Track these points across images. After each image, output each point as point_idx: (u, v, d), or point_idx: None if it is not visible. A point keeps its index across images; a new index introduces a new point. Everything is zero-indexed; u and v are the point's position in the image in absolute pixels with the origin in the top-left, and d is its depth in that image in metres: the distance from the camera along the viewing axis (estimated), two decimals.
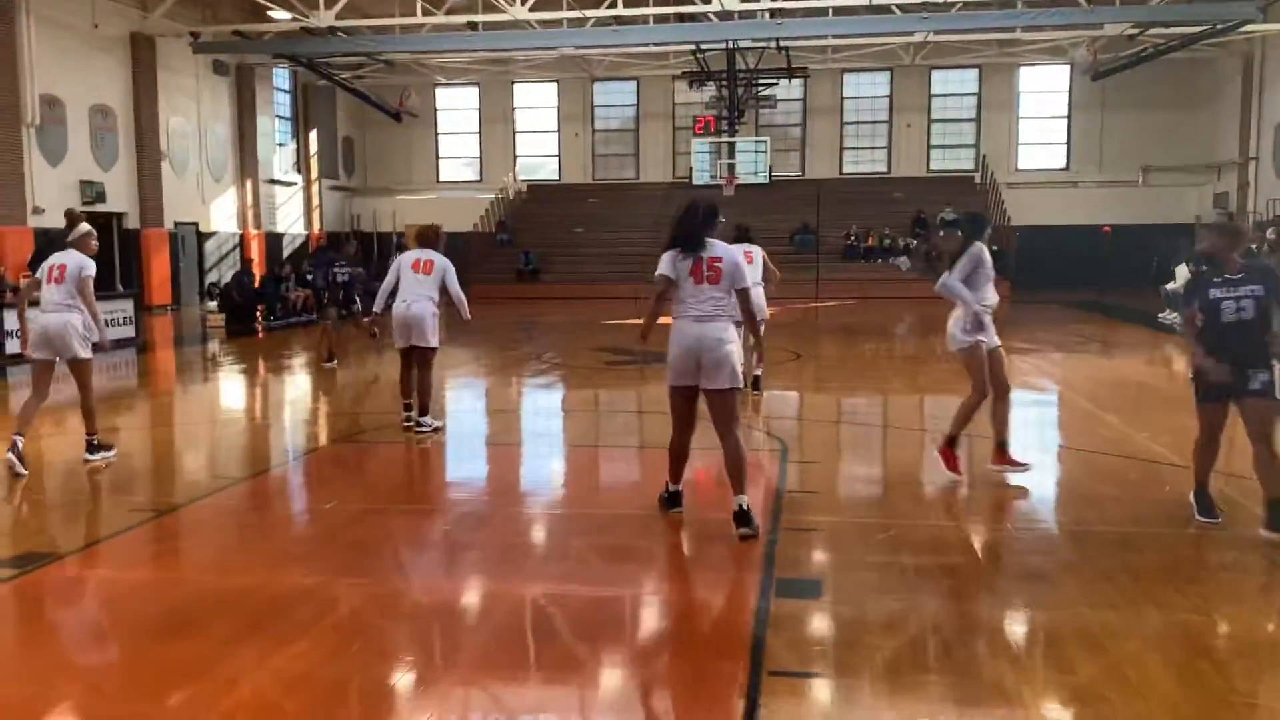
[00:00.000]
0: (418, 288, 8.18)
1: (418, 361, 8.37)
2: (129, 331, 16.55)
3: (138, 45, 23.23)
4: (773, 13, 22.66)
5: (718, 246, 5.55)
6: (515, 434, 9.45)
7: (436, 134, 34.88)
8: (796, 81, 29.76)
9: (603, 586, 4.88)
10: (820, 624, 4.33)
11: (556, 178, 34.73)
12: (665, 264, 5.59)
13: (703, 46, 25.21)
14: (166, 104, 24.21)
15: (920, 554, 5.24)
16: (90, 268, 7.29)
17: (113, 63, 22.69)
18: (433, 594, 4.81)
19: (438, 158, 35.17)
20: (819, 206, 29.68)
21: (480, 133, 34.90)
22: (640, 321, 5.77)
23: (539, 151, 34.94)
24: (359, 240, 29.86)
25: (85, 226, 7.48)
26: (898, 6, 22.95)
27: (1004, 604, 4.60)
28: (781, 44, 25.37)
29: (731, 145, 24.84)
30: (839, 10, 23.81)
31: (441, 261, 8.30)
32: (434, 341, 8.33)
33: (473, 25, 23.66)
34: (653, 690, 3.80)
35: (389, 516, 6.20)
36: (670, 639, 4.26)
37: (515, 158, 34.85)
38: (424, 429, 8.36)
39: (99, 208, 21.89)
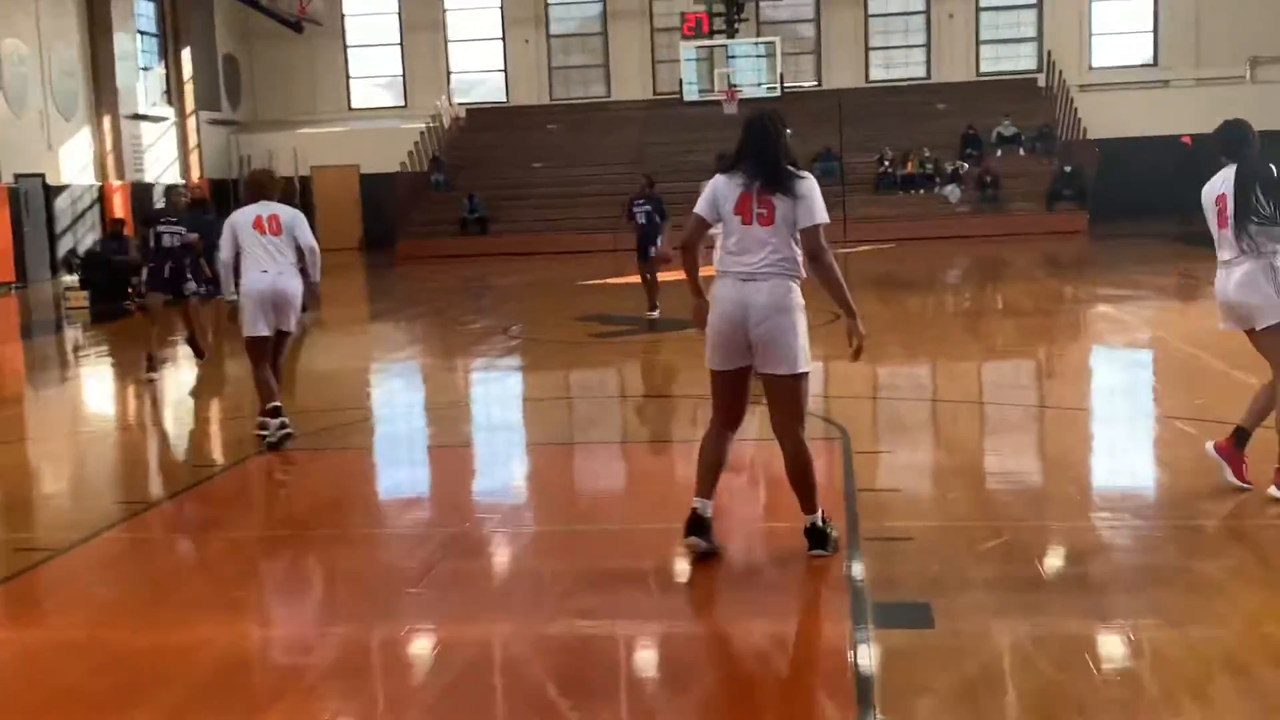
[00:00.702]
0: (275, 254, 7.87)
1: (276, 349, 8.14)
2: None
3: None
4: None
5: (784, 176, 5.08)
6: (495, 434, 9.36)
7: (345, 47, 34.57)
8: None
9: (651, 620, 4.82)
10: (941, 662, 4.26)
11: (504, 99, 34.46)
12: (704, 197, 5.39)
13: None
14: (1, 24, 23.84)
15: (1045, 564, 5.21)
16: None
17: None
18: (433, 640, 4.73)
19: (348, 78, 34.87)
20: (841, 125, 29.68)
21: (402, 44, 34.56)
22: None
23: (479, 66, 34.63)
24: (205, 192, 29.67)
25: None
26: None
27: (1168, 622, 4.56)
28: None
29: (741, 48, 24.61)
30: None
31: (289, 214, 8.07)
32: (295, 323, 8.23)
33: None
34: None
35: (357, 544, 6.11)
36: (751, 687, 4.19)
37: (449, 75, 34.55)
38: (288, 429, 7.98)
39: None
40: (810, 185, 5.08)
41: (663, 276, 13.66)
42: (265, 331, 7.91)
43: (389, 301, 20.61)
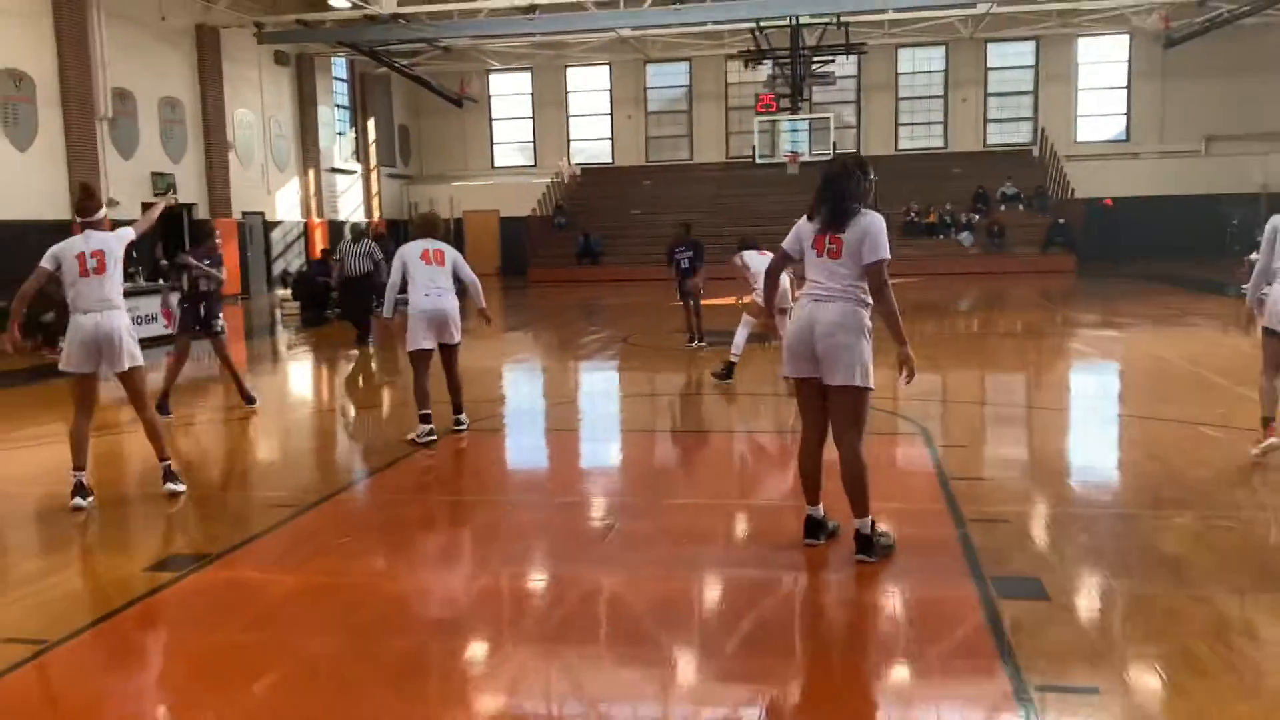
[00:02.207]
0: (439, 279, 7.42)
1: (447, 360, 7.65)
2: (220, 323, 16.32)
3: (203, 37, 23.02)
4: None
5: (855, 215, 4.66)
6: (647, 421, 9.07)
7: (490, 120, 34.49)
8: (850, 58, 29.03)
9: (799, 581, 4.49)
10: (1067, 630, 3.90)
11: (610, 160, 34.25)
12: (790, 236, 5.08)
13: (762, 25, 24.60)
14: (232, 95, 24.01)
15: (1137, 544, 4.81)
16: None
17: (179, 55, 22.50)
18: (590, 585, 4.44)
19: (492, 143, 34.79)
20: (877, 184, 29.03)
21: (534, 117, 34.48)
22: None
23: (592, 134, 34.47)
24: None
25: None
26: None
27: (1250, 594, 4.15)
28: (842, 20, 24.69)
29: (801, 123, 24.25)
30: None
31: (452, 251, 7.60)
32: (460, 336, 7.70)
33: (529, 10, 23.21)
34: (918, 706, 3.39)
35: (544, 510, 5.85)
36: (902, 647, 3.84)
37: (569, 141, 34.40)
38: (463, 427, 7.78)
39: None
40: (875, 224, 4.63)
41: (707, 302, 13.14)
42: (428, 345, 7.45)
43: (529, 314, 20.45)
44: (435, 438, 7.40)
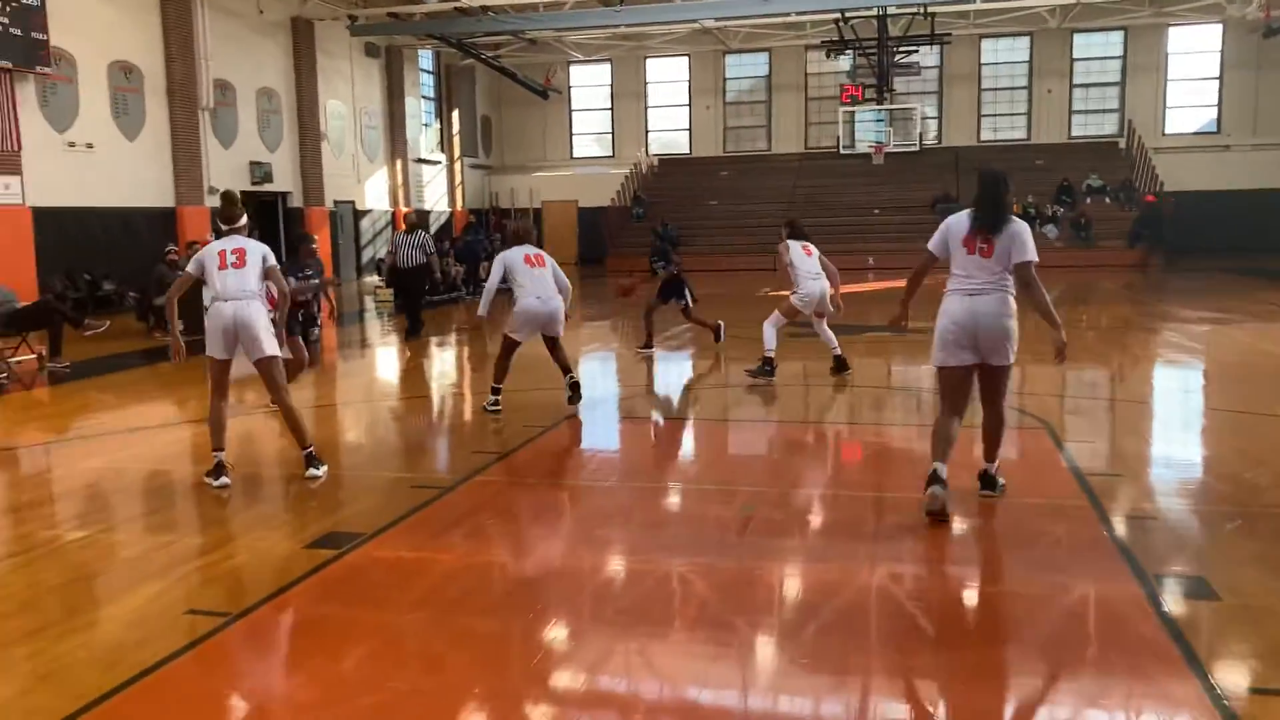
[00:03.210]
0: (545, 283, 8.03)
1: (552, 345, 8.26)
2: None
3: (298, 29, 23.44)
4: None
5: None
6: (755, 411, 9.04)
7: (571, 111, 34.60)
8: (933, 48, 28.55)
9: (958, 575, 4.44)
10: (1247, 628, 3.80)
11: (687, 151, 34.15)
12: (937, 237, 5.29)
13: (847, 15, 24.30)
14: (325, 87, 24.43)
15: None
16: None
17: (276, 47, 22.94)
18: (745, 573, 4.43)
19: (571, 134, 34.91)
20: (958, 174, 28.59)
21: (612, 108, 34.51)
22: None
23: (670, 125, 34.39)
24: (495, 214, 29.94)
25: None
26: None
27: None
28: (928, 10, 24.29)
29: (883, 113, 23.93)
30: None
31: (550, 259, 8.24)
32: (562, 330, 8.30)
33: (611, 2, 23.20)
34: (1102, 706, 3.33)
35: (671, 494, 5.86)
36: (1082, 646, 3.78)
37: (647, 132, 34.37)
38: (575, 382, 8.36)
39: (266, 187, 22.24)
40: (1024, 228, 5.13)
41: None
42: (526, 337, 8.19)
43: (614, 304, 20.47)
44: (499, 409, 8.10)
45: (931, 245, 5.29)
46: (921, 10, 24.19)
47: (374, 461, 7.11)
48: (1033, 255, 5.06)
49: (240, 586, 4.47)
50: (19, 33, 15.53)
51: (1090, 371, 10.36)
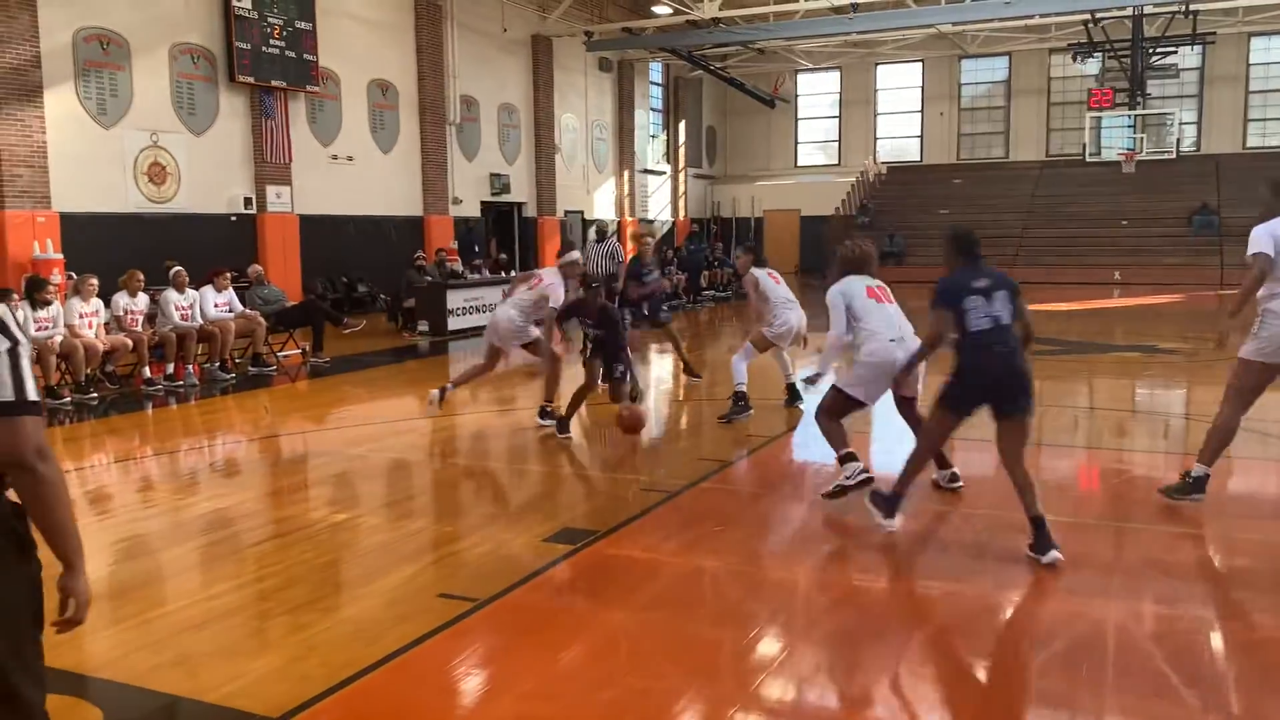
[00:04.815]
0: (900, 323, 5.88)
1: (910, 416, 6.06)
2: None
3: (537, 46, 24.49)
4: None
5: None
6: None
7: (796, 119, 34.43)
8: (1194, 49, 26.50)
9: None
10: None
11: (918, 158, 33.24)
12: (1263, 239, 4.82)
13: (1098, 16, 22.96)
14: (560, 101, 25.39)
15: None
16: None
17: (517, 63, 24.05)
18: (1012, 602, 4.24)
19: (796, 143, 34.73)
20: (1219, 184, 26.44)
21: (840, 116, 34.08)
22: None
23: (900, 133, 33.59)
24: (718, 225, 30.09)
25: (574, 255, 8.88)
26: None
27: None
28: (1189, 8, 22.59)
29: (1136, 119, 22.48)
30: None
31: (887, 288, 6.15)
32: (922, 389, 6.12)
33: (844, 10, 22.89)
34: None
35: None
36: None
37: (875, 139, 33.72)
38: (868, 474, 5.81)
39: (504, 198, 23.35)
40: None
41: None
42: (872, 402, 5.96)
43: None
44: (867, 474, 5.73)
45: (1264, 247, 5.21)
46: (1183, 9, 22.52)
47: (607, 464, 7.32)
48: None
49: (485, 574, 4.71)
50: (293, 55, 17.03)
51: None
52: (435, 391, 8.66)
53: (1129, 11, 22.50)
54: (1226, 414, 5.45)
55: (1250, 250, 5.27)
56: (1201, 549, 5.23)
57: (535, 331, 8.52)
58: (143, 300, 10.71)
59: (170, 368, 10.54)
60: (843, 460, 5.75)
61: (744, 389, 8.42)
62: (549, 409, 8.04)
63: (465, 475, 7.02)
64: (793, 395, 8.86)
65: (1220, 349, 5.51)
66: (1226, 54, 28.60)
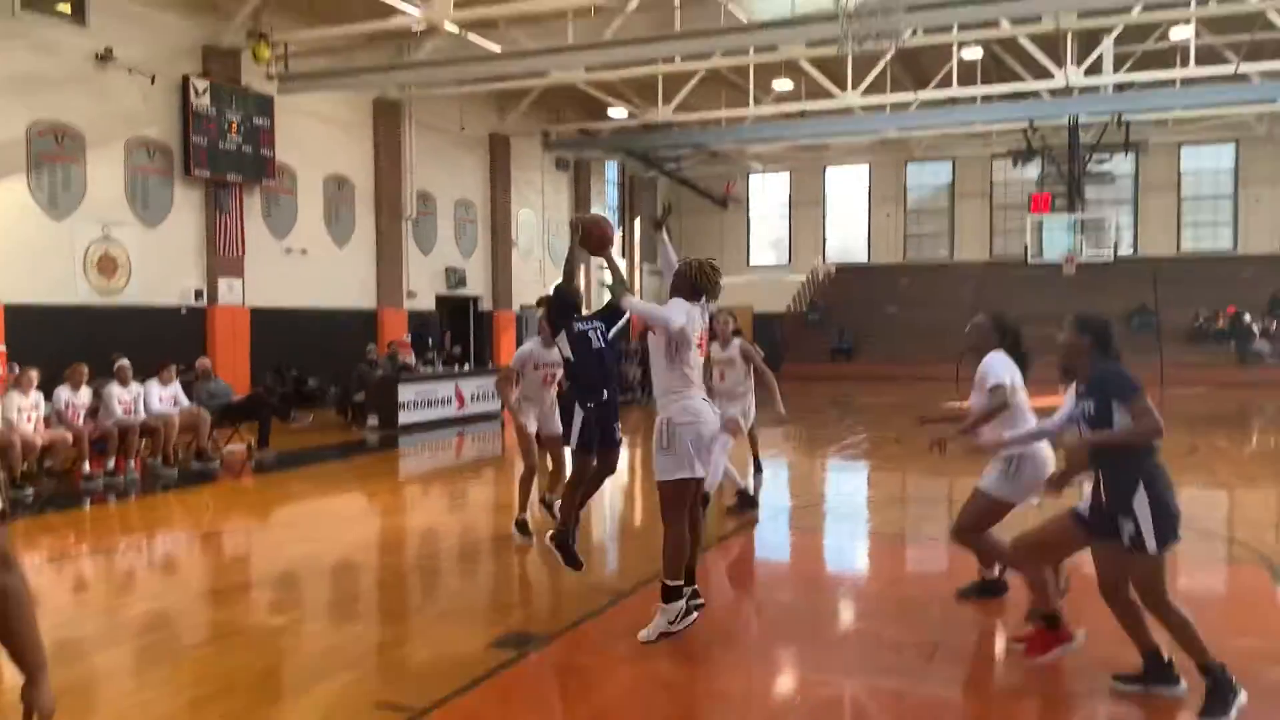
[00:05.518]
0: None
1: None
2: (496, 405, 17.26)
3: (495, 144, 24.90)
4: (1119, 86, 21.23)
5: None
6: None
7: (748, 219, 35.15)
8: (1127, 156, 27.60)
9: None
10: None
11: (866, 258, 34.01)
12: (1001, 370, 5.06)
13: (1036, 124, 23.93)
14: (517, 197, 25.73)
15: None
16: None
17: (474, 160, 24.40)
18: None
19: (748, 241, 35.39)
20: (1156, 286, 27.31)
21: (790, 216, 34.86)
22: None
23: (848, 233, 34.38)
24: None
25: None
26: (1261, 74, 20.83)
27: None
28: (1123, 118, 23.64)
29: (1076, 223, 23.28)
30: (1186, 81, 21.84)
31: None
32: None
33: (793, 116, 23.64)
34: None
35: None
36: None
37: (824, 239, 34.48)
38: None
39: (459, 292, 23.44)
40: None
41: None
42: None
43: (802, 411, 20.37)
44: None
45: (1001, 380, 5.06)
46: (1116, 118, 23.56)
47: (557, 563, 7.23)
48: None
49: (428, 680, 4.59)
50: (250, 150, 17.15)
51: None
52: None
53: (1065, 120, 23.47)
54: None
55: (990, 381, 5.01)
56: None
57: None
58: (85, 394, 10.53)
59: (111, 462, 10.32)
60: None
61: (746, 486, 8.35)
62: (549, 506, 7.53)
63: (413, 575, 6.90)
64: (745, 501, 8.39)
65: (940, 453, 5.29)
66: (1159, 162, 29.82)
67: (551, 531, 6.17)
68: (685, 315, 5.09)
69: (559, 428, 7.28)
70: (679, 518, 5.05)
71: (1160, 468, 4.10)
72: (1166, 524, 3.97)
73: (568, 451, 6.54)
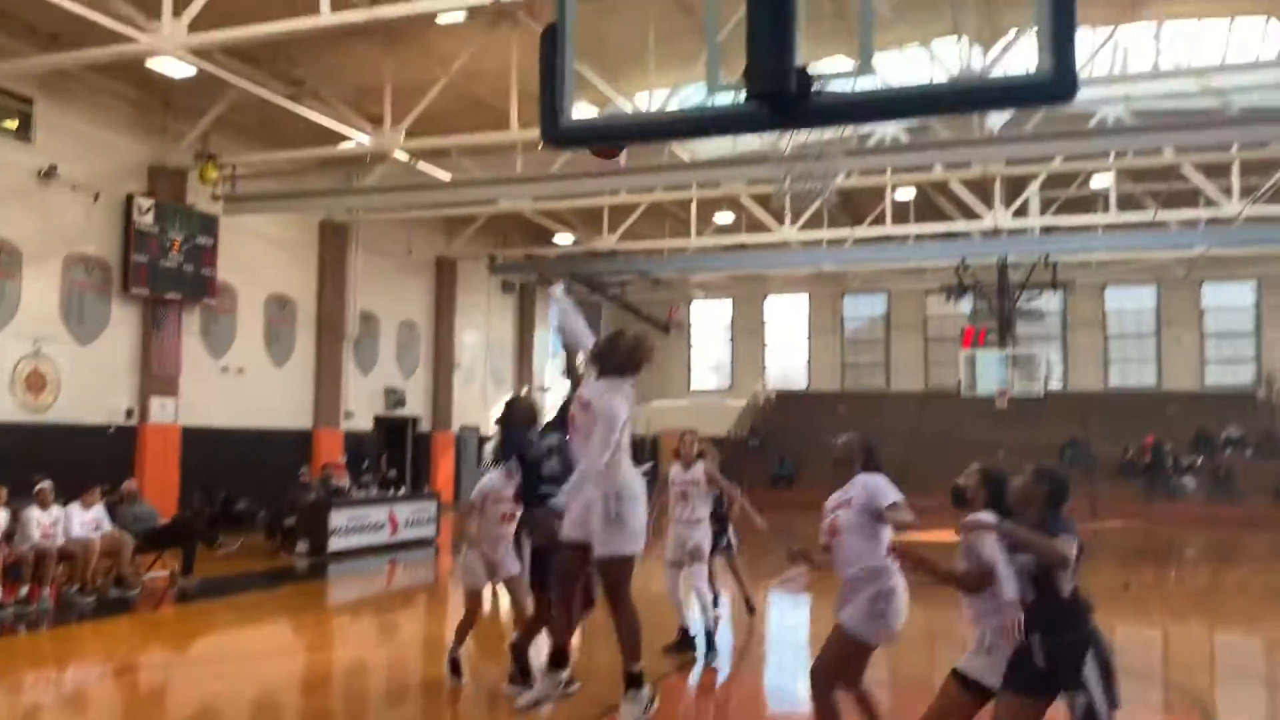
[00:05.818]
0: None
1: None
2: (430, 531, 16.95)
3: (441, 268, 25.13)
4: (1045, 229, 22.23)
5: None
6: None
7: (689, 345, 35.61)
8: (1055, 293, 28.66)
9: None
10: None
11: (805, 385, 34.50)
12: (888, 490, 4.91)
13: (967, 261, 24.82)
14: (461, 320, 25.85)
15: None
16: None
17: (419, 283, 24.55)
18: None
19: (690, 367, 35.77)
20: (1085, 419, 28.01)
21: (732, 343, 35.40)
22: None
23: (788, 360, 34.95)
24: None
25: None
26: (1178, 222, 21.98)
27: None
28: (1050, 259, 24.64)
29: (1008, 358, 23.95)
30: (1109, 226, 22.92)
31: None
32: None
33: (733, 249, 24.30)
34: None
35: None
36: None
37: (764, 366, 34.98)
38: None
39: (398, 412, 23.25)
40: None
41: None
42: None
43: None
44: None
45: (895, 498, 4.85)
46: (1043, 259, 24.53)
47: (489, 699, 7.02)
48: None
49: None
50: (191, 269, 17.07)
51: (1245, 641, 9.64)
52: None
53: (995, 259, 24.37)
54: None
55: (889, 498, 4.87)
56: None
57: None
58: (2, 516, 10.15)
59: (24, 590, 9.88)
60: None
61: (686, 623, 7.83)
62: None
63: (338, 714, 6.63)
64: (685, 643, 7.97)
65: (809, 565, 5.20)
66: (1085, 301, 30.96)
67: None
68: (627, 406, 4.98)
69: (516, 566, 6.73)
70: (626, 595, 4.72)
71: (1098, 631, 3.99)
72: (1114, 690, 3.90)
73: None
